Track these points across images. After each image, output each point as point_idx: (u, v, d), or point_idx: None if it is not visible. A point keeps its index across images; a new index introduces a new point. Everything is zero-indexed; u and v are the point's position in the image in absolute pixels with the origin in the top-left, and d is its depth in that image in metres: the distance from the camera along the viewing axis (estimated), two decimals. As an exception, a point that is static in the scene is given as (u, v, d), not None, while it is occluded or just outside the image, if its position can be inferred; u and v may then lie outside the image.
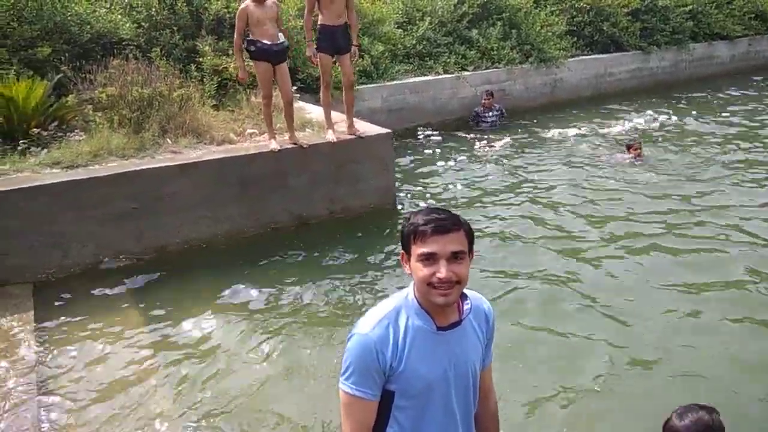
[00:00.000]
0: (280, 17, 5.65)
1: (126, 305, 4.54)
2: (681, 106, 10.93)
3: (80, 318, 4.34)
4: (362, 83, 8.80)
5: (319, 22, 5.59)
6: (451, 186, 7.00)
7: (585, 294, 4.57)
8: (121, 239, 5.09)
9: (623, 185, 6.91)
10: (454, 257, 1.60)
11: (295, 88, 7.18)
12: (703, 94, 11.87)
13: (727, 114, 10.27)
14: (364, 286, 4.82)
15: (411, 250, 1.65)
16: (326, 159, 5.92)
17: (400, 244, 1.73)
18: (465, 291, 1.72)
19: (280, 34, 5.44)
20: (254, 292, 4.70)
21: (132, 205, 5.09)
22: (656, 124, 9.67)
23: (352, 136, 6.06)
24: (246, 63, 5.70)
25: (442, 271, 1.58)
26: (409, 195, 6.76)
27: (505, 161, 7.91)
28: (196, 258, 5.25)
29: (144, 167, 5.15)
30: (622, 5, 11.79)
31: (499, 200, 6.55)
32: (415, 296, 1.70)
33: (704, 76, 13.39)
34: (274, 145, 5.65)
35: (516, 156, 8.17)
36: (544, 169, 7.57)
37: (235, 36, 5.45)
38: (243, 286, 4.79)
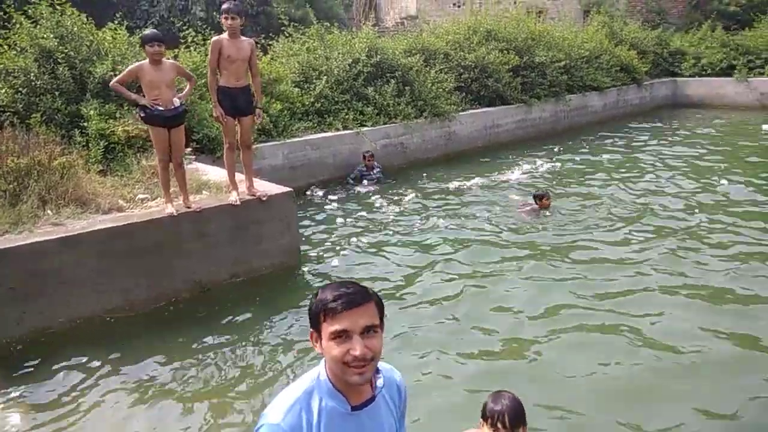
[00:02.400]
0: (188, 74, 5.72)
1: (1, 393, 4.06)
2: (563, 152, 11.84)
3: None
4: (262, 141, 8.76)
5: (219, 84, 5.54)
6: (354, 240, 7.01)
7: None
8: (1, 320, 4.60)
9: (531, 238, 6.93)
10: (367, 331, 1.55)
11: (189, 149, 7.02)
12: (583, 139, 12.98)
13: (608, 155, 11.28)
14: (271, 351, 4.63)
15: (321, 329, 1.58)
16: (226, 221, 5.75)
17: (308, 321, 1.65)
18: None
19: (176, 99, 5.32)
20: (149, 371, 4.37)
21: (9, 285, 4.64)
22: (545, 169, 10.36)
23: (253, 197, 5.96)
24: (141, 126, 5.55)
25: (357, 349, 1.52)
26: (314, 252, 6.69)
27: (410, 214, 8.00)
28: (85, 337, 4.82)
29: (20, 243, 4.73)
30: (503, 62, 12.72)
31: (405, 252, 6.61)
32: (327, 376, 1.62)
33: (581, 124, 14.67)
34: (170, 210, 5.41)
35: (423, 209, 8.24)
36: (450, 221, 7.61)
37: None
38: (136, 364, 4.44)
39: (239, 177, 6.03)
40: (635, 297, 5.30)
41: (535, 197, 7.92)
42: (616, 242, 6.68)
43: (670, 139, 12.83)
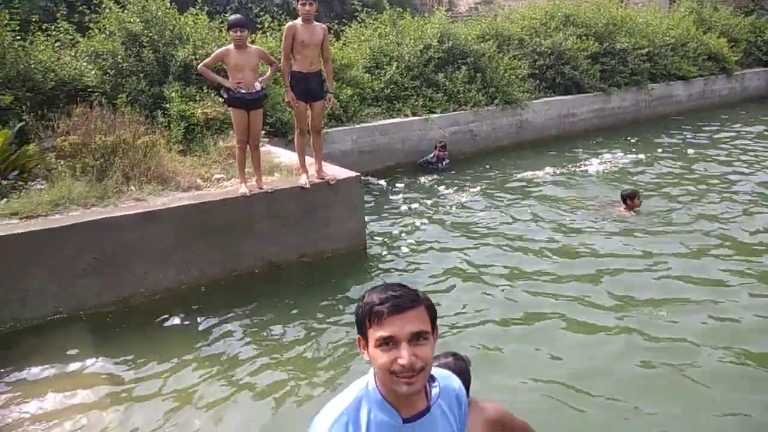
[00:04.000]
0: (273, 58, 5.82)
1: (86, 359, 4.33)
2: (644, 143, 11.25)
3: (37, 373, 4.12)
4: (332, 126, 8.86)
5: (292, 68, 5.63)
6: (422, 227, 6.97)
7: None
8: (82, 291, 4.91)
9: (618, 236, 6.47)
10: (416, 338, 1.43)
11: (263, 132, 7.18)
12: (666, 131, 12.27)
13: (692, 151, 10.59)
14: (337, 331, 4.70)
15: (368, 335, 1.48)
16: (296, 203, 5.87)
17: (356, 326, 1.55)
18: (432, 371, 1.55)
19: (257, 83, 5.45)
20: (223, 342, 4.56)
21: (93, 255, 4.93)
22: (626, 161, 9.86)
23: (322, 180, 6.04)
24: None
25: (404, 356, 1.40)
26: (378, 237, 6.71)
27: (476, 204, 7.85)
28: (163, 308, 5.07)
29: (105, 216, 5.01)
30: (581, 49, 12.23)
31: (474, 242, 6.51)
32: (376, 385, 1.51)
33: (664, 114, 13.91)
34: (244, 189, 5.59)
35: (491, 199, 8.02)
36: (519, 214, 7.36)
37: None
38: (212, 335, 4.64)
39: (309, 161, 6.13)
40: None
41: (624, 197, 7.15)
42: (718, 252, 5.99)
43: (762, 133, 11.94)
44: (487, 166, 9.81)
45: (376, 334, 1.44)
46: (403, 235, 6.76)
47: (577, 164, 9.76)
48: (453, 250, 6.30)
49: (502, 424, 2.41)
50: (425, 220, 7.22)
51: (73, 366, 4.26)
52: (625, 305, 4.95)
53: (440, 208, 7.74)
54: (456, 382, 1.68)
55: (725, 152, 10.35)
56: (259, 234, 5.68)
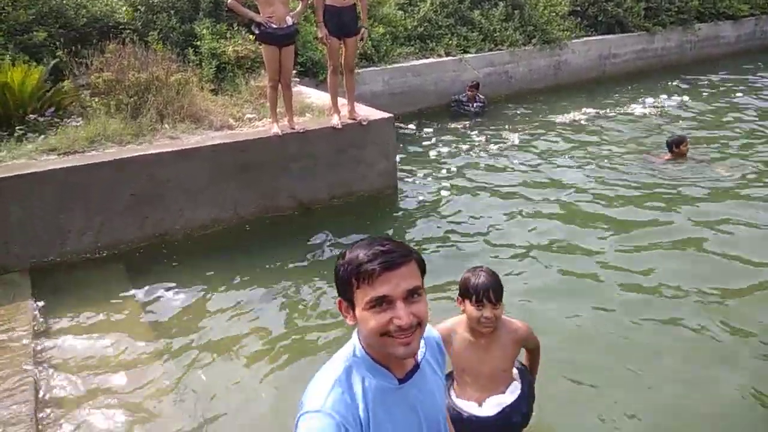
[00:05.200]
0: None
1: (125, 293, 4.48)
2: (690, 87, 10.77)
3: (78, 306, 4.28)
4: (363, 66, 8.68)
5: (325, 3, 5.45)
6: (452, 173, 6.88)
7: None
8: (120, 226, 5.03)
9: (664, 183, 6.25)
10: (411, 295, 1.32)
11: (294, 72, 7.08)
12: (712, 75, 11.68)
13: (740, 94, 10.09)
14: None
15: (354, 297, 1.34)
16: (328, 143, 5.83)
17: (336, 287, 1.40)
18: None
19: (288, 18, 5.31)
20: (259, 280, 4.64)
21: (130, 191, 5.02)
22: (671, 105, 9.48)
23: (354, 121, 5.97)
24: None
25: (402, 316, 1.29)
26: (409, 179, 6.67)
27: (510, 151, 7.62)
28: (198, 244, 5.20)
29: (142, 153, 5.07)
30: (626, -15, 11.61)
31: (506, 190, 6.39)
32: (363, 350, 1.40)
33: (710, 56, 13.22)
34: (276, 129, 5.56)
35: (526, 145, 7.78)
36: (556, 161, 7.14)
37: None
38: (248, 273, 4.72)
39: (341, 101, 6.04)
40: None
41: (669, 144, 6.85)
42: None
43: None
44: (523, 111, 9.55)
45: (367, 295, 1.31)
46: (433, 180, 6.69)
47: (619, 109, 9.42)
48: (484, 196, 6.23)
49: (527, 340, 2.62)
50: (456, 166, 7.10)
51: (113, 299, 4.41)
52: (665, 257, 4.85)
53: (472, 154, 7.59)
54: (434, 332, 1.62)
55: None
56: (291, 174, 5.69)
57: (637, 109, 9.37)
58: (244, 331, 4.02)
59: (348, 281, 1.34)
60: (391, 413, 1.38)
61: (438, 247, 5.14)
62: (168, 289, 4.51)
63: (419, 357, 1.47)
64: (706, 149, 7.35)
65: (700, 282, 4.35)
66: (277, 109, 5.74)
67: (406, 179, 6.66)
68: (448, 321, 2.58)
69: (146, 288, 4.54)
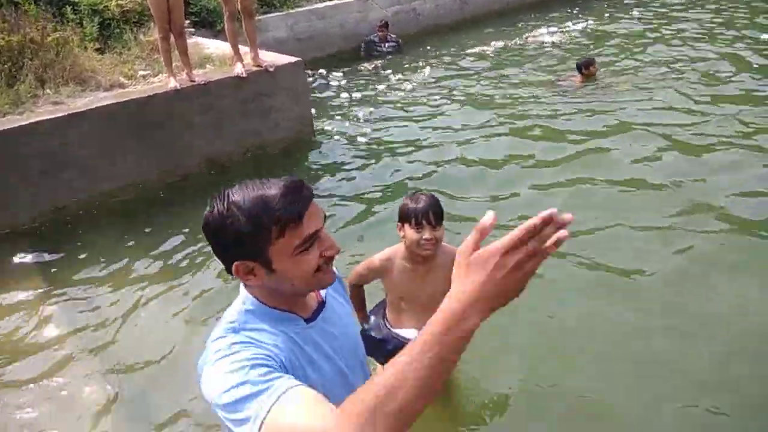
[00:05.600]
0: None
1: (20, 272, 4.11)
2: (590, 11, 10.95)
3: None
4: (264, 12, 8.23)
5: None
6: (367, 114, 6.69)
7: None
8: (9, 203, 4.57)
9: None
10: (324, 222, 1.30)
11: (187, 22, 6.61)
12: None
13: (636, 12, 10.38)
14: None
15: (270, 250, 1.16)
16: (233, 94, 5.49)
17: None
18: None
19: None
20: (166, 247, 4.33)
21: (16, 166, 4.54)
22: (576, 29, 9.63)
23: (259, 68, 5.64)
24: None
25: (334, 245, 1.24)
26: (328, 127, 6.44)
27: (423, 87, 7.51)
28: (98, 215, 4.81)
29: (21, 123, 4.56)
30: None
31: (421, 126, 6.31)
32: (260, 303, 1.26)
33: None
34: (173, 83, 5.16)
35: (441, 78, 7.71)
36: (474, 90, 7.14)
37: None
38: (154, 240, 4.42)
39: (243, 49, 5.68)
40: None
41: (579, 66, 6.95)
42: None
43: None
44: (433, 47, 9.42)
45: (296, 238, 1.16)
46: (352, 123, 6.49)
47: (526, 37, 9.47)
48: (400, 133, 6.12)
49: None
50: (371, 108, 6.91)
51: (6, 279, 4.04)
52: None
53: (386, 94, 7.42)
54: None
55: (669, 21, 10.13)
56: (196, 131, 5.33)
57: (543, 35, 9.45)
58: (157, 292, 3.81)
59: (259, 235, 1.15)
60: (306, 360, 1.26)
61: (362, 192, 5.00)
62: (67, 268, 4.16)
63: (323, 293, 1.39)
64: (615, 67, 7.55)
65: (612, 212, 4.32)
66: (174, 63, 5.32)
67: (325, 127, 6.42)
68: (386, 250, 2.48)
69: (43, 267, 4.18)
